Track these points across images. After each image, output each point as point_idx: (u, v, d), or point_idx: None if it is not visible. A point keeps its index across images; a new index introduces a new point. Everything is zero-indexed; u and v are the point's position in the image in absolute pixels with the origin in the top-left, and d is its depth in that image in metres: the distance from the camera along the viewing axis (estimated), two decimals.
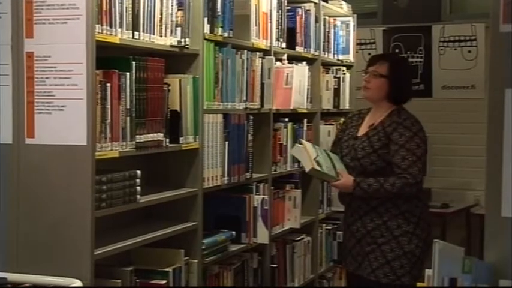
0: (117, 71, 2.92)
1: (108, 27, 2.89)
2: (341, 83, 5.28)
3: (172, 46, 3.32)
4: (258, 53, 4.14)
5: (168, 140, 3.29)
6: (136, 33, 3.06)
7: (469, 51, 6.61)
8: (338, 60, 5.38)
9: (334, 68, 5.31)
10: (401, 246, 3.61)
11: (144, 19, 3.12)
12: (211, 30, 3.61)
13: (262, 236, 4.08)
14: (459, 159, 6.55)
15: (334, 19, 5.34)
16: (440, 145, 6.45)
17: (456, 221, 6.37)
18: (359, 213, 3.69)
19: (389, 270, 3.61)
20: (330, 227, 5.18)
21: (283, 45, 4.47)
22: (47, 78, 2.81)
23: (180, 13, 3.36)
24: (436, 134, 6.42)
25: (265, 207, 4.09)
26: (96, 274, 2.80)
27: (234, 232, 3.84)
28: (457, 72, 6.65)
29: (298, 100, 4.59)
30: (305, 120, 4.80)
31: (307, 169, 3.67)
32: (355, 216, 3.71)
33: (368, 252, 3.67)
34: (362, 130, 3.75)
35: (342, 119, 4.83)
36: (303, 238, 4.81)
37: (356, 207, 3.70)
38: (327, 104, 5.13)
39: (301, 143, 3.85)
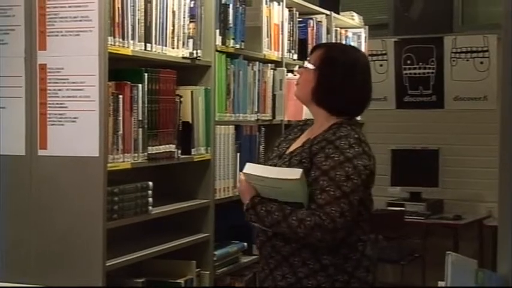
0: (129, 82, 2.93)
1: (121, 39, 2.90)
2: None
3: (184, 58, 3.33)
4: (269, 65, 4.15)
5: (179, 151, 3.30)
6: (148, 45, 3.08)
7: (481, 62, 6.59)
8: None
9: None
10: None
11: (156, 31, 3.13)
12: (223, 42, 3.63)
13: None
14: (471, 170, 6.52)
15: (346, 30, 5.34)
16: (452, 156, 6.42)
17: (469, 232, 6.33)
18: (269, 265, 2.62)
19: None
20: None
21: (295, 56, 4.48)
22: (59, 90, 2.82)
23: (192, 25, 3.38)
24: (448, 146, 6.42)
25: None
26: (108, 285, 2.80)
27: (245, 243, 3.83)
28: (469, 83, 6.63)
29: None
30: None
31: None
32: (266, 270, 2.63)
33: None
34: (294, 146, 2.69)
35: None
36: None
37: (267, 254, 2.63)
38: None
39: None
